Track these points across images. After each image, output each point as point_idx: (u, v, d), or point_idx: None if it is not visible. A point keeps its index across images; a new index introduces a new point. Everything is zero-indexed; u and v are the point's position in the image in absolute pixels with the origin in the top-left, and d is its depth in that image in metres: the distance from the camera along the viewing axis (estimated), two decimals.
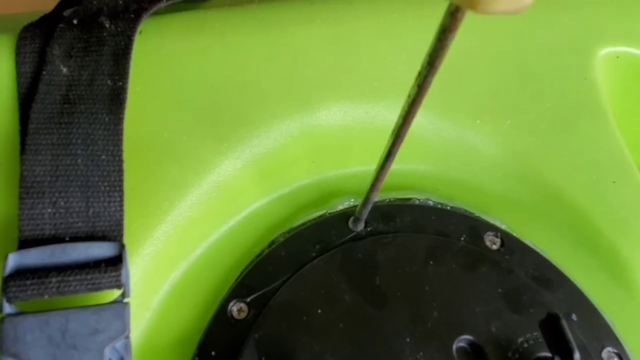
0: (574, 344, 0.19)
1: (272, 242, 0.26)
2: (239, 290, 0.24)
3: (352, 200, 0.27)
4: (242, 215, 0.26)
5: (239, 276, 0.24)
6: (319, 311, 0.23)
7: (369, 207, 0.23)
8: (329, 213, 0.27)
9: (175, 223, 0.24)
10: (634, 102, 0.32)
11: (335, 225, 0.26)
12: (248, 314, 0.23)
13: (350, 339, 0.22)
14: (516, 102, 0.29)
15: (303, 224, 0.26)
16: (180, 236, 0.24)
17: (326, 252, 0.25)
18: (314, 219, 0.26)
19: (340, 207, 0.27)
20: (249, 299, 0.23)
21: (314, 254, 0.25)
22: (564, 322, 0.20)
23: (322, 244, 0.25)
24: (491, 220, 0.27)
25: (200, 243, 0.25)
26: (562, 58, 0.30)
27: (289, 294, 0.23)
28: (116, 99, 0.21)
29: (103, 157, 0.21)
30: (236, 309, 0.23)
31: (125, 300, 0.20)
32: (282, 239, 0.25)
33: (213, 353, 0.22)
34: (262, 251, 0.25)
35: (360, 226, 0.25)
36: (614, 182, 0.27)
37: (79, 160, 0.21)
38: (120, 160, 0.21)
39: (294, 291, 0.23)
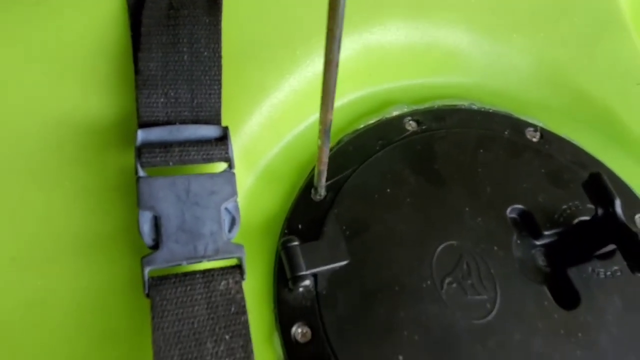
0: (614, 193, 0.23)
1: (339, 141, 0.29)
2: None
3: (405, 107, 0.31)
4: (311, 119, 0.29)
5: (314, 167, 0.28)
6: (388, 190, 0.26)
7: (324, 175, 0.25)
8: (386, 118, 0.30)
9: (259, 122, 0.27)
10: None
11: (394, 126, 0.29)
12: (326, 196, 0.27)
13: (417, 210, 0.26)
14: (548, 18, 0.32)
15: (364, 126, 0.30)
16: (262, 133, 0.27)
17: (388, 146, 0.28)
18: (373, 122, 0.30)
19: (395, 113, 0.30)
20: (326, 184, 0.27)
21: (377, 148, 0.28)
22: (604, 177, 0.23)
23: (384, 140, 0.29)
24: (530, 120, 0.30)
25: (280, 140, 0.28)
26: None
27: (360, 179, 0.27)
28: (213, 4, 0.25)
29: (205, 53, 0.24)
30: (315, 192, 0.27)
31: (232, 170, 0.23)
32: (347, 139, 0.29)
33: (300, 226, 0.26)
34: (332, 148, 0.29)
35: (320, 195, 0.26)
36: (638, 84, 0.31)
37: (185, 57, 0.24)
38: (219, 57, 0.24)
39: (364, 176, 0.27)
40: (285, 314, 0.23)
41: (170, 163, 0.22)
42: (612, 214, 0.22)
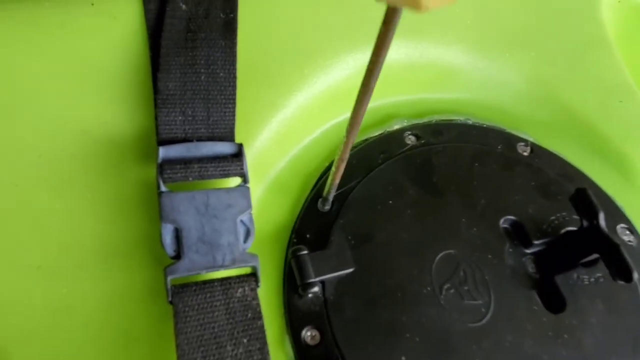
0: (599, 207, 0.25)
1: None
2: (322, 190, 0.29)
3: (405, 121, 0.33)
4: (317, 132, 0.31)
5: (319, 179, 0.30)
6: (390, 202, 0.28)
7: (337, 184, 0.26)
8: (387, 131, 0.32)
9: (269, 137, 0.29)
10: (632, 37, 0.37)
11: (395, 140, 0.31)
12: (332, 207, 0.28)
13: (418, 220, 0.28)
14: (538, 38, 0.34)
15: (366, 139, 0.31)
16: (271, 147, 0.29)
17: (390, 159, 0.30)
18: (376, 136, 0.32)
19: (396, 127, 0.32)
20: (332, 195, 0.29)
21: (379, 161, 0.30)
22: (590, 192, 0.25)
23: (386, 153, 0.30)
24: (521, 135, 0.32)
25: (287, 154, 0.30)
26: (574, 1, 0.35)
27: (364, 190, 0.29)
28: (229, 27, 0.26)
29: (221, 74, 0.26)
30: (322, 203, 0.29)
31: (247, 185, 0.25)
32: (351, 152, 0.31)
33: (308, 236, 0.27)
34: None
35: (328, 206, 0.28)
36: (620, 101, 0.33)
37: (202, 77, 0.26)
38: (235, 77, 0.26)
39: (368, 188, 0.29)
40: (295, 318, 0.25)
41: (190, 178, 0.24)
42: (596, 226, 0.25)
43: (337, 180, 0.25)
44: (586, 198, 0.25)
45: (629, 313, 0.26)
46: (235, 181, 0.26)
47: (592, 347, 0.25)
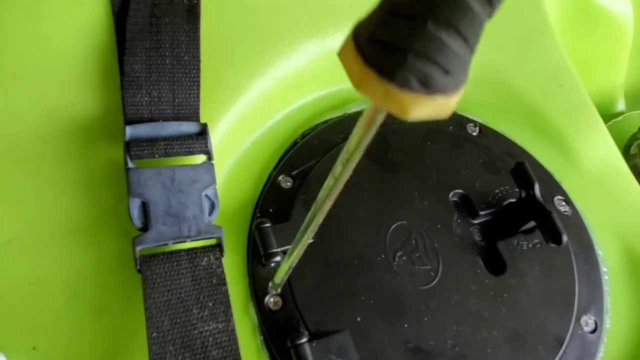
0: (534, 179, 0.27)
1: (303, 135, 0.33)
2: (284, 168, 0.31)
3: (364, 105, 0.35)
4: (280, 115, 0.33)
5: (282, 158, 0.31)
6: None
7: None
8: (347, 113, 0.34)
9: (233, 118, 0.30)
10: (573, 26, 0.40)
11: (353, 121, 0.33)
12: (293, 184, 0.30)
13: (373, 194, 0.30)
14: (486, 27, 0.36)
15: (327, 121, 0.33)
16: (235, 128, 0.31)
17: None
18: (336, 117, 0.34)
19: (355, 109, 0.34)
20: (293, 173, 0.30)
21: (339, 141, 0.32)
22: (527, 165, 0.28)
23: (344, 133, 0.32)
24: (471, 117, 0.35)
25: (250, 134, 0.32)
26: None
27: (324, 168, 0.31)
28: (192, 13, 0.28)
29: (185, 57, 0.27)
30: (284, 181, 0.30)
31: (211, 162, 0.26)
32: (312, 132, 0.33)
33: (270, 210, 0.29)
34: (297, 141, 0.32)
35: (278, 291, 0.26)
36: (560, 85, 0.36)
37: (167, 60, 0.27)
38: (199, 60, 0.27)
39: (327, 166, 0.31)
40: (259, 286, 0.27)
41: (156, 155, 0.25)
42: (532, 196, 0.27)
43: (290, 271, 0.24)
44: (524, 171, 0.28)
45: (561, 274, 0.28)
46: (200, 159, 0.27)
47: (528, 304, 0.27)
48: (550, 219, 0.26)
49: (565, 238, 0.25)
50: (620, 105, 0.52)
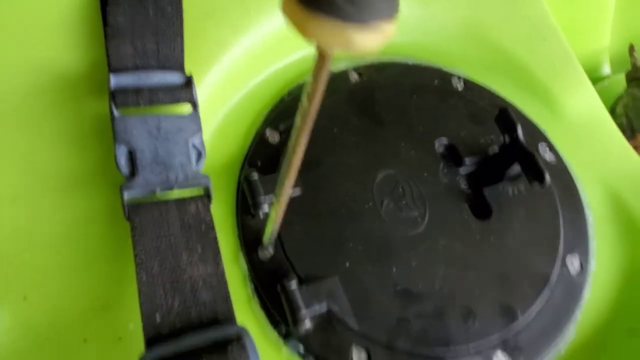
0: (517, 122, 0.28)
1: (290, 92, 0.33)
2: (271, 123, 0.31)
3: (350, 62, 0.35)
4: (266, 73, 0.33)
5: (269, 113, 0.31)
6: (336, 130, 0.31)
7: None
8: (333, 71, 0.34)
9: (220, 74, 0.30)
10: None
11: (340, 78, 0.33)
12: (280, 138, 0.30)
13: (361, 146, 0.30)
14: None
15: None
16: (223, 84, 0.31)
17: (335, 94, 0.32)
18: None
19: (340, 68, 0.34)
20: (280, 128, 0.31)
21: (325, 96, 0.32)
22: (510, 111, 0.28)
23: (331, 89, 0.32)
24: (456, 72, 0.35)
25: (238, 91, 0.32)
26: None
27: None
28: None
29: (169, 9, 0.27)
30: (271, 135, 0.30)
31: (197, 112, 0.27)
32: (298, 90, 0.33)
33: (259, 163, 0.29)
34: (284, 97, 0.32)
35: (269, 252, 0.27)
36: (544, 40, 0.36)
37: (150, 12, 0.27)
38: (181, 13, 0.27)
39: (315, 120, 0.31)
40: (248, 236, 0.27)
41: (141, 103, 0.25)
42: (515, 139, 0.27)
43: (277, 227, 0.24)
44: (507, 116, 0.28)
45: (546, 217, 0.29)
46: (186, 111, 0.27)
47: (513, 247, 0.28)
48: (533, 159, 0.26)
49: (548, 177, 0.26)
50: (606, 69, 0.52)
